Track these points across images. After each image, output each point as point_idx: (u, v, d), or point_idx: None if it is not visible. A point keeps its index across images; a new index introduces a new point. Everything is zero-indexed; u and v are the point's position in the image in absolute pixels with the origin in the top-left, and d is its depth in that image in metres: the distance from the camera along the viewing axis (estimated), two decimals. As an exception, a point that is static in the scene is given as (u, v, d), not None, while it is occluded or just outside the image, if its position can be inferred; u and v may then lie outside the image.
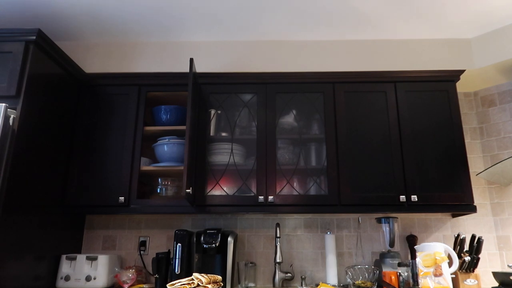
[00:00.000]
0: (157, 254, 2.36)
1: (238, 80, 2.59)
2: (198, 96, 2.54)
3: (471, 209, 2.34)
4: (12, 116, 1.96)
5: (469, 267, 2.28)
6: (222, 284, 2.19)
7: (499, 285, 2.18)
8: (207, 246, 2.35)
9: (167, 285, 1.92)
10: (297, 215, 2.69)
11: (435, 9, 2.52)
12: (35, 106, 2.14)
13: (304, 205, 2.38)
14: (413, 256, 2.43)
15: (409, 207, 2.34)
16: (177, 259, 2.31)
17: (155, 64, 2.81)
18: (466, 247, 2.37)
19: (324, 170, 2.44)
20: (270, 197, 2.35)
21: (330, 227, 2.67)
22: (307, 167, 2.49)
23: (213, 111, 2.58)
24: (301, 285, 2.46)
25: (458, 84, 2.62)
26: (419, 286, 2.07)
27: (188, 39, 2.86)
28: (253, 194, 2.39)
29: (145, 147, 2.62)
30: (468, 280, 2.27)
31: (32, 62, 2.10)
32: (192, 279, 1.94)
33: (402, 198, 2.33)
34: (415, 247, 2.21)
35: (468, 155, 2.80)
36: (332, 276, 2.43)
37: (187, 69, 2.39)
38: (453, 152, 2.43)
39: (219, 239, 2.36)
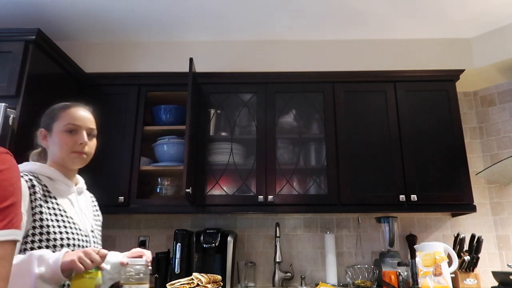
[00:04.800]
0: (157, 254, 2.36)
1: (238, 79, 2.59)
2: (198, 95, 2.54)
3: (471, 208, 2.34)
4: (11, 115, 1.95)
5: (468, 266, 2.28)
6: (222, 284, 2.19)
7: (498, 285, 2.18)
8: (206, 246, 2.36)
9: (167, 285, 1.92)
10: (297, 214, 2.69)
11: (434, 8, 2.52)
12: (35, 106, 2.13)
13: (303, 204, 2.38)
14: (413, 256, 2.43)
15: (409, 207, 2.34)
16: (176, 259, 2.31)
17: (155, 64, 2.81)
18: (466, 247, 2.37)
19: (324, 170, 2.44)
20: (270, 197, 2.35)
21: (330, 226, 2.67)
22: (307, 166, 2.49)
23: (212, 111, 2.58)
24: (301, 285, 2.46)
25: (457, 83, 2.61)
26: (419, 286, 2.07)
27: (188, 39, 2.86)
28: (252, 194, 2.39)
29: (145, 147, 2.62)
30: (467, 280, 2.27)
31: (31, 62, 2.10)
32: (192, 279, 1.94)
33: (402, 197, 2.33)
34: (415, 246, 2.21)
35: (468, 155, 2.79)
36: (331, 276, 2.43)
37: (187, 69, 2.39)
38: (453, 151, 2.43)
39: (219, 239, 2.36)
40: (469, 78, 2.78)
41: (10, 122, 1.94)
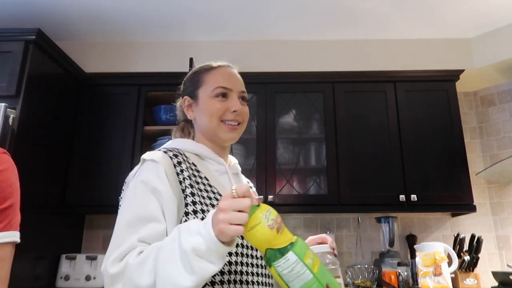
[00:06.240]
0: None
1: (238, 79, 2.59)
2: (197, 95, 2.53)
3: (471, 208, 2.34)
4: (11, 115, 1.95)
5: (468, 266, 2.28)
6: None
7: (498, 285, 2.18)
8: (207, 246, 2.35)
9: None
10: (297, 214, 2.68)
11: (435, 9, 2.52)
12: (35, 106, 2.13)
13: (303, 204, 2.38)
14: (413, 256, 2.43)
15: (409, 207, 2.34)
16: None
17: (155, 63, 2.80)
18: (466, 247, 2.37)
19: (324, 170, 2.44)
20: (270, 197, 2.35)
21: (329, 226, 2.67)
22: (307, 166, 2.49)
23: (212, 111, 2.57)
24: (301, 285, 2.46)
25: (457, 83, 2.61)
26: (419, 286, 2.07)
27: (188, 39, 2.86)
28: (252, 194, 2.39)
29: (145, 147, 2.61)
30: (467, 280, 2.27)
31: (31, 61, 2.10)
32: None
33: (402, 197, 2.33)
34: (415, 246, 2.20)
35: (468, 155, 2.79)
36: (331, 276, 2.43)
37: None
38: (453, 151, 2.43)
39: (219, 239, 2.35)
40: (469, 78, 2.78)
41: (10, 122, 1.94)
